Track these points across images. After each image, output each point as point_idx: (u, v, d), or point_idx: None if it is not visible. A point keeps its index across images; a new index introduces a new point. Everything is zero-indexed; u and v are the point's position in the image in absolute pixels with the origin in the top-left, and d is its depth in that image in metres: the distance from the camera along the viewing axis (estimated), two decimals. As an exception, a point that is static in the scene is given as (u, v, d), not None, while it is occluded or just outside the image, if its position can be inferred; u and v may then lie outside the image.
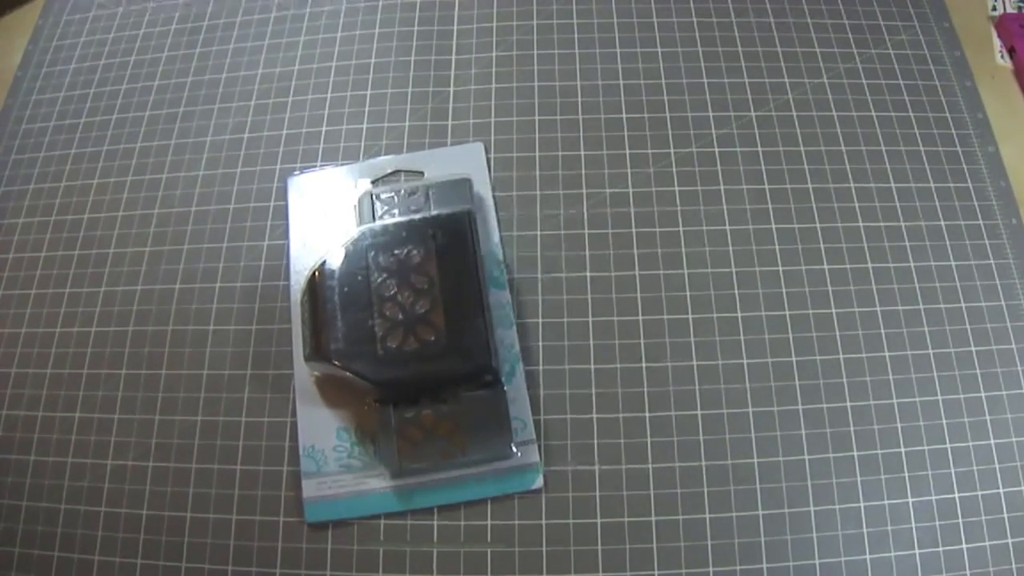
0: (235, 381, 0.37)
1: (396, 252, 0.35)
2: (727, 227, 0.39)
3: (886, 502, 0.33)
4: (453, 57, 0.44)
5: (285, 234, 0.39)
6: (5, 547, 0.35)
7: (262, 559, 0.33)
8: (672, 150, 0.41)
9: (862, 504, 0.33)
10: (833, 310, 0.36)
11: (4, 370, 0.38)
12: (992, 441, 0.34)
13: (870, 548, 0.32)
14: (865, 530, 0.32)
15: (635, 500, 0.33)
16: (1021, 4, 0.46)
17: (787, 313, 0.36)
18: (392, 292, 0.34)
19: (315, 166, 0.41)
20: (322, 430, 0.35)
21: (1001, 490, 0.33)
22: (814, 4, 0.45)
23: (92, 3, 0.50)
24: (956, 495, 0.33)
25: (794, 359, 0.35)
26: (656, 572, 0.32)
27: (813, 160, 0.40)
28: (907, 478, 0.33)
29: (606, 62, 0.44)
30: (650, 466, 0.34)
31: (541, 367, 0.35)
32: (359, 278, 0.34)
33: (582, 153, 0.41)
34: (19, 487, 0.36)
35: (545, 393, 0.35)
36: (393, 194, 0.38)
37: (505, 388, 0.34)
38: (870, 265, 0.37)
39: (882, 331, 0.36)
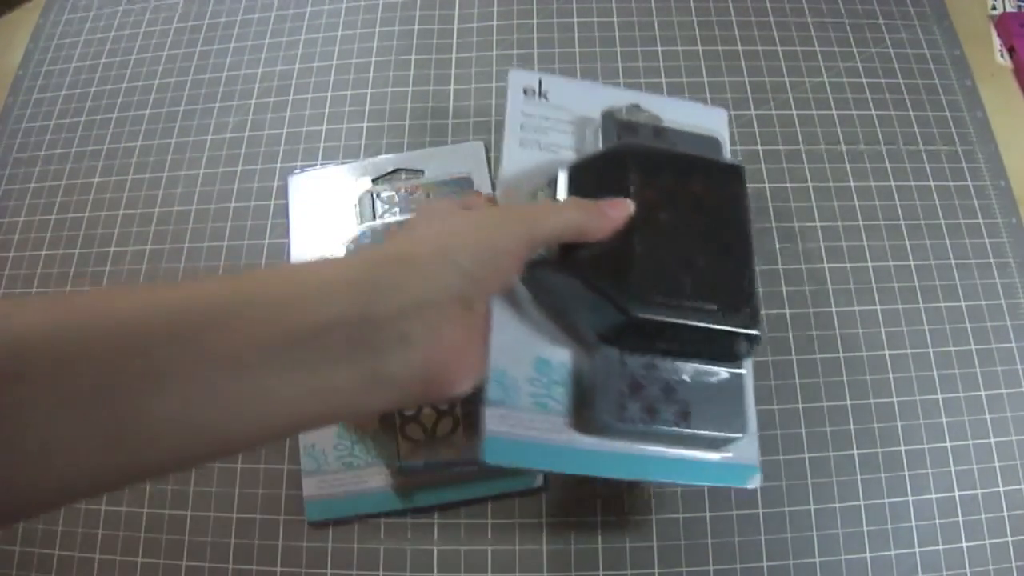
0: (236, 380, 0.36)
1: (397, 251, 0.34)
2: (727, 226, 0.38)
3: (886, 500, 0.33)
4: (453, 56, 0.45)
5: (286, 233, 0.39)
6: (6, 545, 0.35)
7: (263, 557, 0.33)
8: (672, 149, 0.41)
9: (862, 502, 0.33)
10: (833, 308, 0.36)
11: (5, 369, 0.38)
12: (992, 439, 0.34)
13: (870, 546, 0.32)
14: (865, 528, 0.32)
15: (635, 498, 0.33)
16: (1021, 3, 0.46)
17: (787, 312, 0.36)
18: (393, 290, 0.33)
19: (316, 165, 0.41)
20: (322, 429, 0.34)
21: (1001, 488, 0.33)
22: (814, 3, 0.45)
23: (92, 2, 0.50)
24: (956, 493, 0.33)
25: (794, 357, 0.35)
26: (656, 570, 0.32)
27: (813, 159, 0.40)
28: (907, 476, 0.33)
29: (606, 62, 0.44)
30: (650, 464, 0.34)
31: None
32: (360, 277, 0.34)
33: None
34: (20, 486, 0.36)
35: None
36: (394, 193, 0.38)
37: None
38: (870, 264, 0.37)
39: (882, 329, 0.36)
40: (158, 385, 0.17)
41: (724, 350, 0.29)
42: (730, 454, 0.29)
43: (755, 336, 0.28)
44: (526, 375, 0.28)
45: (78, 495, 0.18)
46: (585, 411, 0.28)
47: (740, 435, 0.28)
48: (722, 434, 0.28)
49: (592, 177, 0.29)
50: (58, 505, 0.17)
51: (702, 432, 0.28)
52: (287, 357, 0.19)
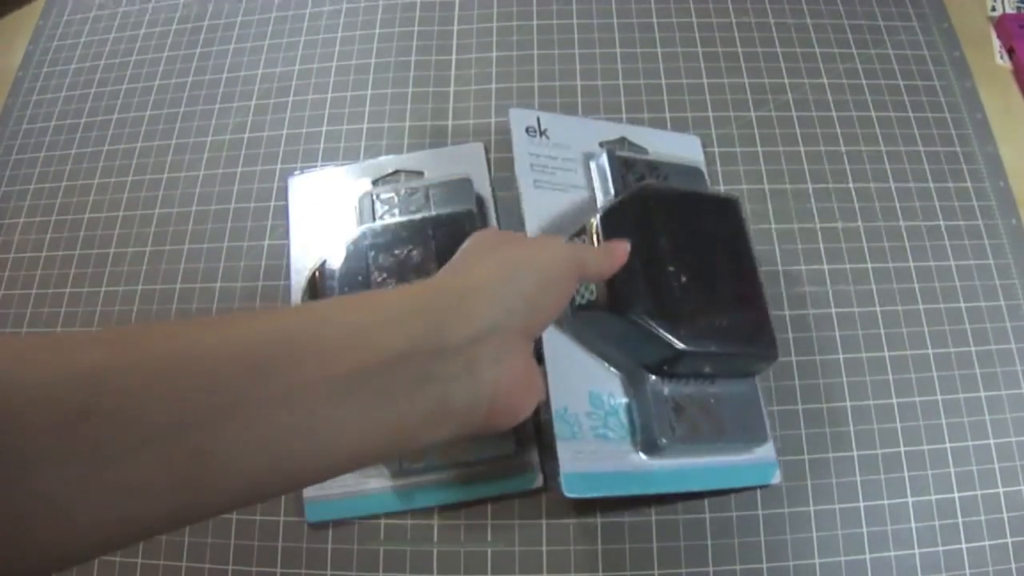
0: (235, 381, 0.36)
1: (396, 252, 0.35)
2: (727, 227, 0.38)
3: (886, 502, 0.33)
4: (453, 57, 0.45)
5: (285, 234, 0.40)
6: (5, 547, 0.35)
7: (262, 558, 0.33)
8: (672, 150, 0.41)
9: (861, 504, 0.33)
10: (832, 310, 0.36)
11: (4, 370, 0.38)
12: (991, 441, 0.34)
13: (870, 547, 0.32)
14: (865, 529, 0.32)
15: (634, 499, 0.33)
16: (1020, 4, 0.46)
17: (787, 313, 0.36)
18: (392, 292, 0.34)
19: (315, 166, 0.41)
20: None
21: (1000, 490, 0.33)
22: (814, 4, 0.45)
23: (92, 3, 0.50)
24: (955, 495, 0.33)
25: (794, 359, 0.35)
26: (656, 571, 0.32)
27: (812, 160, 0.40)
28: (907, 478, 0.33)
29: (606, 62, 0.44)
30: (650, 466, 0.34)
31: (543, 366, 0.35)
32: (359, 278, 0.34)
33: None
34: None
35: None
36: (393, 194, 0.38)
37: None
38: (869, 265, 0.37)
39: (881, 331, 0.36)
40: (233, 422, 0.17)
41: (747, 369, 0.33)
42: (751, 455, 0.33)
43: (775, 355, 0.32)
44: (584, 410, 0.32)
45: (138, 537, 0.17)
46: (642, 436, 0.32)
47: (766, 441, 0.33)
48: (750, 443, 0.32)
49: (621, 222, 0.32)
50: (114, 548, 0.16)
51: (735, 443, 0.32)
52: (359, 389, 0.19)
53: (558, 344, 0.33)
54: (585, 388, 0.32)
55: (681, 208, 0.33)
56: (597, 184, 0.36)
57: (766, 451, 0.33)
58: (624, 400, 0.33)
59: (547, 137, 0.37)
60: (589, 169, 0.37)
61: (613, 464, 0.31)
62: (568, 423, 0.31)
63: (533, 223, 0.35)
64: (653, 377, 0.32)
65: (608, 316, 0.31)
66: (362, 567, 0.33)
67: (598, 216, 0.32)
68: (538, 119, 0.38)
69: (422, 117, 0.43)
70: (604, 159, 0.36)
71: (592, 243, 0.32)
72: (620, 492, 0.31)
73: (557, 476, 0.31)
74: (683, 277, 0.31)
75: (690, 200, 0.34)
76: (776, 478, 0.33)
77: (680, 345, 0.30)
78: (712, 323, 0.31)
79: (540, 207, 0.35)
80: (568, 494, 0.30)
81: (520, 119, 0.37)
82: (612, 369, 0.33)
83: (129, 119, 0.45)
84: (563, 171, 0.37)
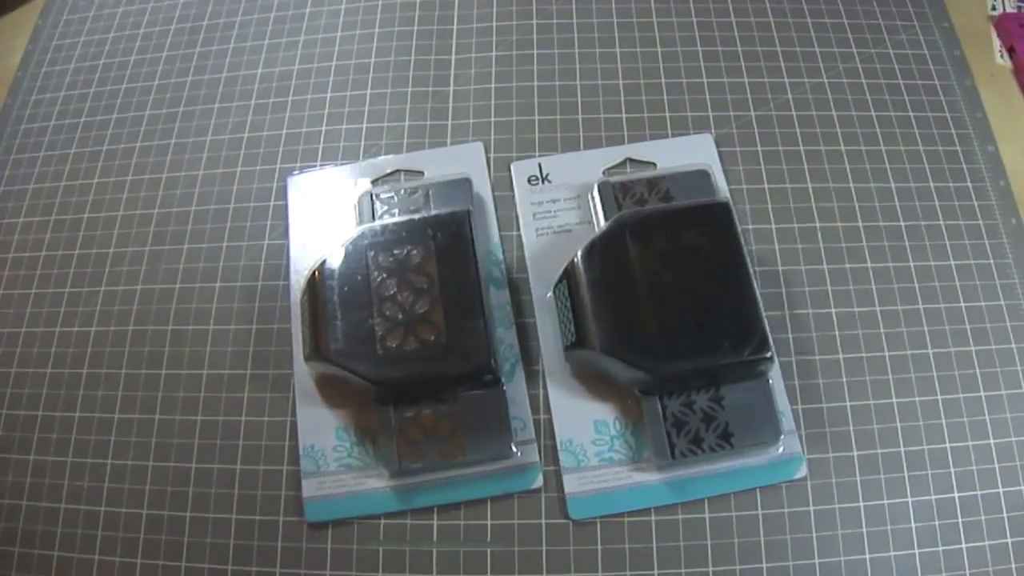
0: (235, 380, 0.37)
1: (396, 252, 0.35)
2: (727, 227, 0.38)
3: (885, 502, 0.33)
4: (453, 57, 0.45)
5: (285, 234, 0.40)
6: (5, 546, 0.35)
7: (262, 558, 0.33)
8: (672, 150, 0.41)
9: (861, 504, 0.33)
10: (832, 309, 0.36)
11: (4, 369, 0.38)
12: (991, 441, 0.34)
13: (869, 548, 0.32)
14: (864, 530, 0.32)
15: (635, 500, 0.33)
16: (1021, 4, 0.46)
17: (786, 312, 0.36)
18: (392, 292, 0.34)
19: (315, 166, 0.41)
20: (322, 430, 0.35)
21: (1000, 490, 0.33)
22: (814, 4, 0.45)
23: (92, 3, 0.50)
24: (955, 495, 0.33)
25: (794, 359, 0.35)
26: (656, 571, 0.32)
27: (812, 160, 0.40)
28: (906, 478, 0.33)
29: (606, 62, 0.44)
30: (650, 466, 0.34)
31: (542, 367, 0.35)
32: (359, 278, 0.34)
33: (582, 154, 0.41)
34: (19, 486, 0.36)
35: (545, 392, 0.35)
36: (393, 194, 0.38)
37: (505, 388, 0.34)
38: (869, 265, 0.37)
39: (881, 331, 0.36)
40: None
41: (745, 374, 0.33)
42: (771, 453, 0.33)
43: (768, 358, 0.32)
44: (590, 438, 0.33)
45: None
46: (648, 455, 0.33)
47: (775, 443, 0.33)
48: (759, 445, 0.32)
49: (598, 257, 0.33)
50: None
51: (743, 447, 0.32)
52: None
53: (561, 379, 0.35)
54: (589, 418, 0.34)
55: (659, 228, 0.34)
56: (594, 217, 0.37)
57: (788, 443, 0.33)
58: (630, 422, 0.33)
59: (549, 181, 0.38)
60: (586, 200, 0.38)
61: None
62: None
63: (536, 271, 0.37)
64: (650, 397, 0.33)
65: (589, 353, 0.32)
66: (361, 567, 0.33)
67: (578, 255, 0.33)
68: (539, 165, 0.39)
69: (422, 117, 0.43)
70: (596, 193, 0.37)
71: (573, 287, 0.33)
72: (629, 507, 0.32)
73: (562, 490, 0.33)
74: (656, 301, 0.32)
75: (672, 216, 0.34)
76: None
77: (654, 371, 0.31)
78: (692, 339, 0.31)
79: (543, 256, 0.37)
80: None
81: (522, 171, 0.39)
82: (617, 395, 0.34)
83: (129, 119, 0.45)
84: (565, 211, 0.38)
